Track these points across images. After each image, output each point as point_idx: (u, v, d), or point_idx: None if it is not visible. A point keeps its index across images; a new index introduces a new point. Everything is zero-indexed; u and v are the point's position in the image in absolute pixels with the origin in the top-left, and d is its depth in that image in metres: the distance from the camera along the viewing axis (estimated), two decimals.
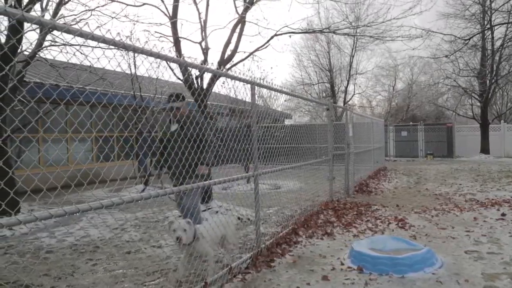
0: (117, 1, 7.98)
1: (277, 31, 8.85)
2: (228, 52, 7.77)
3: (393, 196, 9.05)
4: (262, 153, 4.99)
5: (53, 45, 7.80)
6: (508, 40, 19.88)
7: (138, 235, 5.90)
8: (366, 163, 12.37)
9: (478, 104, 23.48)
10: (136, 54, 8.99)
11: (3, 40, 7.07)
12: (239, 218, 6.44)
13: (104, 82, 9.00)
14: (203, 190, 4.87)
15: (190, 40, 7.90)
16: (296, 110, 31.25)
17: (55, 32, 7.02)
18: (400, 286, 3.55)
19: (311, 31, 14.70)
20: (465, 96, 25.46)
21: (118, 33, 2.56)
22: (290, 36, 10.38)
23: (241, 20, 7.85)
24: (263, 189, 7.29)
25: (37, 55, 7.78)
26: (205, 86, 7.45)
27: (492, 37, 20.98)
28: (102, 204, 2.43)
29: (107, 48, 6.14)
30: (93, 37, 2.38)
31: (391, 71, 33.42)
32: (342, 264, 4.19)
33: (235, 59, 8.06)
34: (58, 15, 7.73)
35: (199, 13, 7.68)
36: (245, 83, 4.42)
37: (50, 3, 7.73)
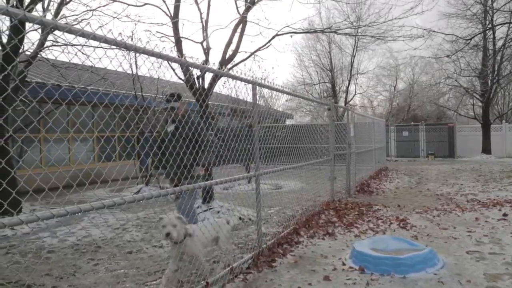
0: (119, 1, 7.99)
1: (279, 31, 8.84)
2: (230, 52, 7.77)
3: (394, 196, 9.04)
4: (264, 153, 4.99)
5: (54, 45, 7.82)
6: (509, 40, 19.84)
7: (140, 235, 5.90)
8: (367, 163, 12.36)
9: (480, 104, 23.44)
10: (137, 54, 9.00)
11: (5, 40, 7.08)
12: (240, 218, 6.44)
13: (106, 82, 9.01)
14: (200, 191, 4.89)
15: (192, 40, 7.90)
16: (297, 110, 31.28)
17: (56, 32, 7.04)
18: (402, 287, 3.54)
19: (312, 31, 14.68)
20: (466, 96, 25.42)
21: (120, 33, 2.56)
22: (291, 36, 10.38)
23: (243, 20, 7.85)
24: (264, 189, 7.29)
25: (38, 55, 7.79)
26: (206, 86, 7.45)
27: (494, 37, 20.95)
28: (103, 204, 2.43)
29: (109, 48, 6.15)
30: (95, 37, 2.38)
31: (392, 71, 33.44)
32: (344, 264, 4.18)
33: (237, 59, 8.07)
34: (60, 15, 7.75)
35: (201, 13, 7.68)
36: (246, 83, 4.42)
37: (51, 3, 7.75)
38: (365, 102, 35.26)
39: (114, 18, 8.21)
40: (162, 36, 7.91)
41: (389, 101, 34.59)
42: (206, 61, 7.34)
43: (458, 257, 4.36)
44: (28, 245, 5.51)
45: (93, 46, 7.08)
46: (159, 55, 2.97)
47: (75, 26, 2.31)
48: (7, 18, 6.58)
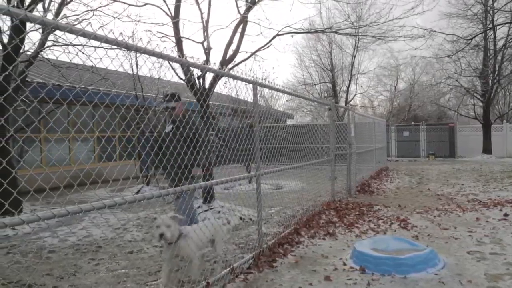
0: (119, 1, 7.99)
1: (279, 31, 8.84)
2: (230, 52, 7.77)
3: (395, 196, 9.04)
4: (264, 153, 4.99)
5: (55, 45, 7.82)
6: (510, 40, 19.82)
7: (141, 235, 5.90)
8: (368, 163, 12.36)
9: (480, 104, 23.43)
10: (138, 54, 9.00)
11: (5, 40, 7.09)
12: (241, 218, 6.44)
13: (107, 82, 9.01)
14: (200, 191, 4.86)
15: (192, 40, 7.90)
16: (298, 110, 31.24)
17: (57, 32, 7.04)
18: (402, 287, 3.54)
19: (313, 31, 14.68)
20: (467, 96, 25.40)
21: (121, 33, 2.56)
22: (292, 36, 10.37)
23: (243, 20, 7.85)
24: (265, 189, 7.28)
25: (39, 55, 7.79)
26: (207, 86, 7.45)
27: (495, 37, 20.94)
28: (104, 204, 2.43)
29: (110, 48, 6.15)
30: (96, 37, 2.38)
31: (393, 71, 33.42)
32: (345, 264, 4.18)
33: (237, 59, 8.06)
34: (61, 15, 7.75)
35: (201, 13, 7.67)
36: (247, 83, 4.42)
37: (52, 3, 7.75)
38: (365, 102, 35.28)
39: (114, 18, 8.22)
40: (162, 36, 7.92)
41: (389, 101, 34.58)
42: (207, 61, 7.33)
43: (459, 257, 4.35)
44: (29, 245, 5.51)
45: (94, 46, 7.09)
46: (160, 55, 2.97)
47: (76, 26, 2.30)
48: (7, 17, 6.60)
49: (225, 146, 4.61)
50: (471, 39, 18.53)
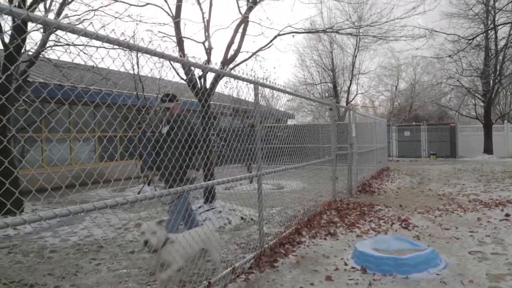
0: (121, 1, 7.98)
1: (280, 31, 8.83)
2: (231, 52, 7.76)
3: (396, 196, 9.03)
4: (265, 153, 4.99)
5: (57, 45, 7.83)
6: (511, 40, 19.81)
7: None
8: (369, 163, 12.35)
9: (481, 104, 23.41)
10: (140, 54, 9.00)
11: (7, 40, 7.10)
12: (242, 218, 6.44)
13: (108, 82, 9.02)
14: (201, 193, 4.83)
15: (194, 40, 7.89)
16: (298, 110, 31.25)
17: (59, 32, 7.04)
18: (404, 287, 3.54)
19: (314, 31, 14.66)
20: (468, 96, 25.38)
21: (122, 33, 2.56)
22: (293, 36, 10.36)
23: (244, 20, 7.84)
24: (266, 189, 7.28)
25: (41, 55, 7.80)
26: (208, 86, 7.45)
27: (496, 37, 20.92)
28: (106, 204, 2.44)
29: (111, 48, 6.16)
30: (98, 37, 2.38)
31: (394, 71, 33.42)
32: (346, 264, 4.18)
33: (238, 59, 8.05)
34: (62, 15, 7.76)
35: (203, 13, 7.67)
36: (248, 83, 4.42)
37: (53, 3, 7.76)
38: (366, 102, 35.27)
39: (116, 18, 8.22)
40: (164, 36, 7.90)
41: (390, 101, 34.58)
42: (208, 61, 7.33)
43: (461, 257, 4.35)
44: (30, 244, 5.52)
45: (95, 46, 7.11)
46: (161, 55, 2.97)
47: (77, 26, 2.31)
48: (8, 17, 6.60)
49: (226, 146, 4.60)
50: (472, 39, 18.52)
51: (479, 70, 21.99)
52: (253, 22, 8.51)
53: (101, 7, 8.07)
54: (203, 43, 7.65)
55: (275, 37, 8.73)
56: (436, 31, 16.82)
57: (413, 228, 5.77)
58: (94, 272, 4.26)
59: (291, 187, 9.16)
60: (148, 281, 3.92)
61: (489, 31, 20.46)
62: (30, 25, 7.05)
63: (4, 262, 4.74)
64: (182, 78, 7.33)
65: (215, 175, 7.06)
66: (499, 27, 20.22)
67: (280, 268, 4.12)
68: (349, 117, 9.75)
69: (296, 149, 6.45)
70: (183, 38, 7.44)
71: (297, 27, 13.61)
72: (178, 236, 3.40)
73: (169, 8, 7.54)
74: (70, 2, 7.98)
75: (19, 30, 6.72)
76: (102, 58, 2.69)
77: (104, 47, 6.53)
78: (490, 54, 21.35)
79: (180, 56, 3.44)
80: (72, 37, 7.40)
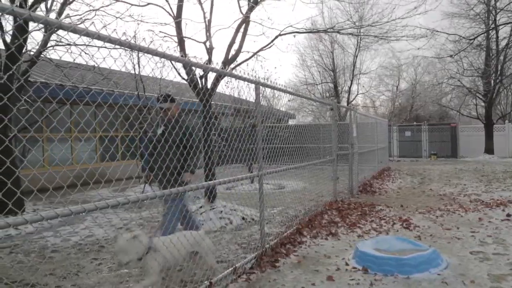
0: (122, 1, 7.99)
1: (281, 31, 8.83)
2: (232, 52, 7.76)
3: (397, 196, 9.03)
4: (267, 153, 4.99)
5: (58, 45, 7.83)
6: None
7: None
8: (370, 163, 12.35)
9: (482, 104, 23.38)
10: (141, 54, 9.00)
11: (8, 40, 7.10)
12: (243, 218, 6.44)
13: (110, 82, 9.03)
14: (202, 192, 4.78)
15: (195, 40, 7.91)
16: (299, 110, 31.24)
17: (60, 31, 7.05)
18: (405, 287, 3.54)
19: (315, 30, 14.68)
20: (469, 96, 25.34)
21: (124, 32, 2.57)
22: (294, 36, 10.35)
23: (246, 20, 7.84)
24: (267, 189, 7.28)
25: (42, 55, 7.81)
26: (209, 86, 7.45)
27: (497, 37, 20.89)
28: (108, 203, 2.43)
29: (113, 48, 6.16)
30: (99, 37, 2.38)
31: (394, 71, 33.42)
32: (347, 264, 4.18)
33: (239, 59, 8.04)
34: (63, 14, 7.76)
35: (204, 13, 7.67)
36: (249, 83, 4.42)
37: (54, 3, 7.76)
38: (367, 102, 35.28)
39: (117, 18, 8.22)
40: (165, 36, 7.91)
41: (391, 101, 34.57)
42: (209, 60, 7.32)
43: (462, 257, 4.34)
44: (31, 244, 5.53)
45: (97, 46, 7.12)
46: (163, 55, 2.97)
47: (79, 25, 2.30)
48: (10, 17, 6.61)
49: (227, 146, 4.59)
50: (474, 39, 18.52)
51: (480, 70, 21.97)
52: (254, 22, 8.54)
53: (102, 7, 8.08)
54: (204, 43, 7.65)
55: (276, 37, 8.74)
56: (437, 31, 16.84)
57: (415, 228, 5.76)
58: (95, 272, 4.26)
59: (292, 187, 9.16)
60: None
61: (490, 31, 20.44)
62: (32, 25, 7.06)
63: (5, 262, 4.74)
64: (184, 78, 7.33)
65: (216, 175, 7.06)
66: (500, 27, 20.21)
67: (282, 268, 4.12)
68: (350, 117, 9.75)
69: (297, 149, 6.44)
70: (184, 38, 7.45)
71: (298, 27, 13.63)
72: (163, 241, 3.28)
73: (170, 8, 7.55)
74: (71, 2, 7.99)
75: (21, 30, 6.74)
76: (104, 58, 2.69)
77: (105, 47, 6.53)
78: (491, 54, 21.33)
79: (182, 56, 3.44)
80: (73, 37, 7.42)
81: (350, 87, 29.18)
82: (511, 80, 23.43)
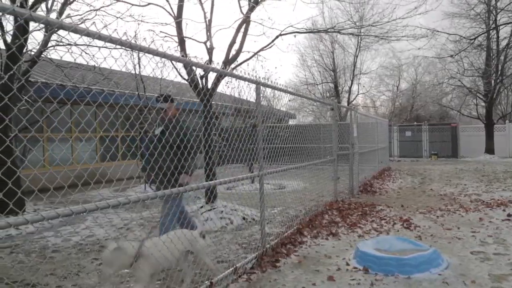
0: (122, 1, 7.99)
1: (282, 31, 8.82)
2: (233, 52, 7.76)
3: (397, 196, 9.02)
4: (267, 153, 4.99)
5: (59, 45, 7.83)
6: None
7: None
8: (370, 163, 12.35)
9: (483, 104, 23.36)
10: (141, 54, 9.00)
11: (9, 40, 7.10)
12: (244, 218, 6.44)
13: (110, 82, 9.03)
14: (203, 192, 4.76)
15: (195, 40, 7.91)
16: (300, 110, 31.23)
17: (61, 31, 7.05)
18: (406, 287, 3.53)
19: (315, 30, 14.66)
20: (469, 96, 25.32)
21: (125, 32, 2.56)
22: (294, 36, 10.35)
23: (246, 20, 7.84)
24: (267, 189, 7.28)
25: (43, 55, 7.81)
26: (209, 86, 7.45)
27: (497, 37, 20.88)
28: (108, 203, 2.44)
29: (114, 48, 6.16)
30: (100, 37, 2.38)
31: (395, 71, 33.38)
32: (348, 264, 4.18)
33: (240, 59, 8.05)
34: (64, 14, 7.76)
35: (204, 13, 7.67)
36: (250, 83, 4.42)
37: (55, 3, 7.76)
38: (367, 102, 35.24)
39: (117, 18, 8.22)
40: (165, 36, 7.90)
41: (391, 101, 34.55)
42: (210, 60, 7.32)
43: (463, 257, 4.34)
44: (32, 244, 5.53)
45: (97, 46, 7.10)
46: (163, 55, 2.97)
47: (79, 25, 2.30)
48: (10, 17, 6.61)
49: (228, 145, 4.59)
50: (474, 39, 18.51)
51: (480, 70, 21.95)
52: (254, 22, 8.53)
53: (103, 7, 8.07)
54: (205, 43, 7.65)
55: (277, 37, 8.74)
56: (437, 31, 16.84)
57: (415, 228, 5.76)
58: (96, 272, 4.26)
59: (292, 187, 9.15)
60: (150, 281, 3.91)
61: (490, 31, 20.43)
62: (32, 25, 7.06)
63: (6, 262, 4.74)
64: (184, 78, 7.33)
65: (217, 175, 7.06)
66: (501, 27, 20.20)
67: (282, 268, 4.12)
68: (350, 117, 9.75)
69: (297, 149, 6.44)
70: (184, 38, 7.45)
71: (299, 27, 13.62)
72: (155, 243, 3.18)
73: (171, 8, 7.54)
74: (72, 2, 7.98)
75: (22, 30, 6.74)
76: (105, 58, 2.68)
77: (106, 47, 6.53)
78: (491, 54, 21.32)
79: (182, 56, 3.44)
80: (74, 37, 7.42)
81: (350, 87, 29.16)
82: (511, 80, 23.42)
